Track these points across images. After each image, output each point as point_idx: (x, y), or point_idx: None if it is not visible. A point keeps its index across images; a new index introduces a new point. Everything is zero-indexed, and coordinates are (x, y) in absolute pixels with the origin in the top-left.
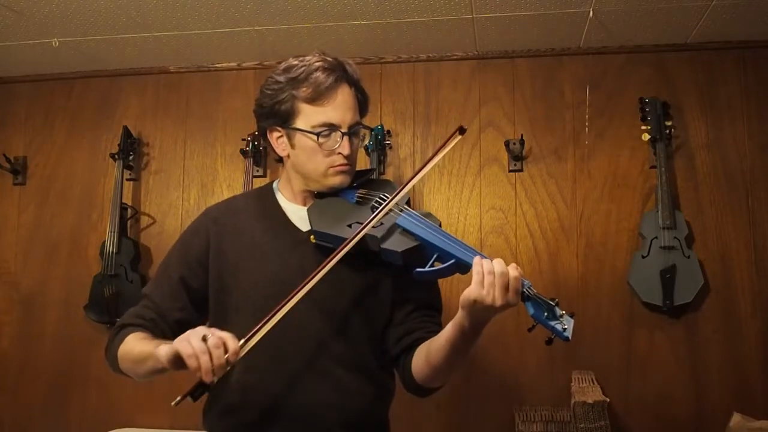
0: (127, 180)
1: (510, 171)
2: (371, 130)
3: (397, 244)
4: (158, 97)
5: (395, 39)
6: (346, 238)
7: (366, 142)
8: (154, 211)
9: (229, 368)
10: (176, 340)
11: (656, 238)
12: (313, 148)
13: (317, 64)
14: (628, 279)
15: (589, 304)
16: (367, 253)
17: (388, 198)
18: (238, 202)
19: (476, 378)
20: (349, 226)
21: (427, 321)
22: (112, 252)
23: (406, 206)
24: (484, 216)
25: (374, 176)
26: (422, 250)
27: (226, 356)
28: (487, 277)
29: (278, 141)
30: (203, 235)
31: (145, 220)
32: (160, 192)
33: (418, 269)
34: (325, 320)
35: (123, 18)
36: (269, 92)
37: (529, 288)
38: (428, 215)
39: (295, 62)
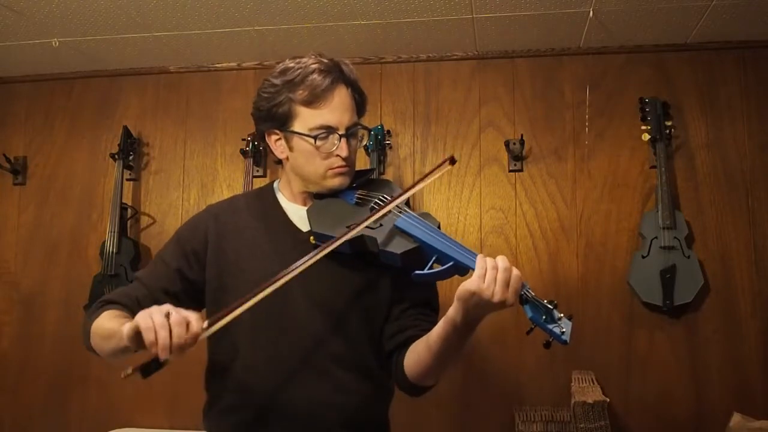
0: (127, 180)
1: (510, 171)
2: (369, 130)
3: (396, 245)
4: (158, 97)
5: (395, 39)
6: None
7: (365, 142)
8: (154, 211)
9: (186, 350)
10: (138, 314)
11: (656, 238)
12: (310, 150)
13: (313, 66)
14: (628, 279)
15: (589, 304)
16: (366, 254)
17: (387, 199)
18: (239, 202)
19: (476, 378)
20: (348, 227)
21: (422, 319)
22: (112, 252)
23: (405, 207)
24: (484, 216)
25: (374, 176)
26: (421, 252)
27: (186, 336)
28: (489, 272)
29: (276, 144)
30: (202, 230)
31: (145, 220)
32: (160, 192)
33: (417, 271)
34: (325, 320)
35: (123, 18)
36: (266, 95)
37: (527, 291)
38: (427, 216)
39: (292, 64)
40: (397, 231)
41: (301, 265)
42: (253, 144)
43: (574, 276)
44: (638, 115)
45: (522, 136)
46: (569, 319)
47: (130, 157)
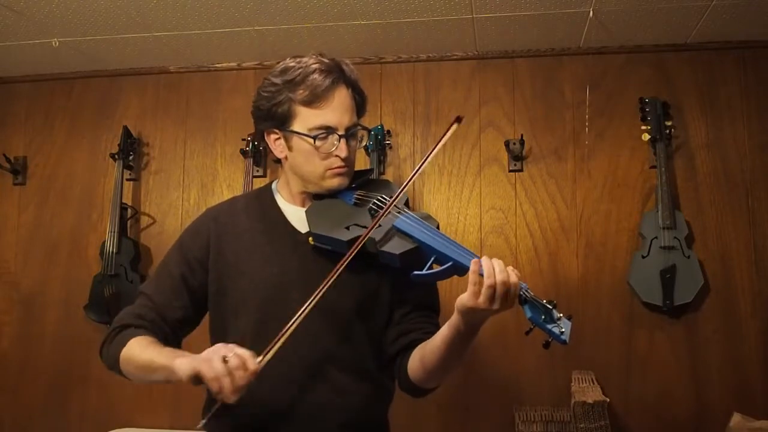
0: (127, 180)
1: (510, 171)
2: (369, 131)
3: (394, 246)
4: (158, 97)
5: (395, 39)
6: (344, 240)
7: (364, 143)
8: (154, 211)
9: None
10: (197, 360)
11: (656, 238)
12: (310, 150)
13: (314, 66)
14: (628, 279)
15: (589, 304)
16: (365, 255)
17: (386, 200)
18: (238, 203)
19: (476, 378)
20: (347, 228)
21: (424, 322)
22: (112, 252)
23: (404, 208)
24: (484, 216)
25: (373, 176)
26: (420, 253)
27: (245, 376)
28: (485, 291)
29: (276, 143)
30: (204, 234)
31: (145, 220)
32: (160, 192)
33: (416, 272)
34: (325, 321)
35: (123, 18)
36: (266, 94)
37: (526, 291)
38: (426, 217)
39: (292, 64)
40: (396, 231)
41: (329, 280)
42: (253, 144)
43: (574, 276)
44: (638, 115)
45: (522, 136)
46: (569, 319)
47: (130, 157)
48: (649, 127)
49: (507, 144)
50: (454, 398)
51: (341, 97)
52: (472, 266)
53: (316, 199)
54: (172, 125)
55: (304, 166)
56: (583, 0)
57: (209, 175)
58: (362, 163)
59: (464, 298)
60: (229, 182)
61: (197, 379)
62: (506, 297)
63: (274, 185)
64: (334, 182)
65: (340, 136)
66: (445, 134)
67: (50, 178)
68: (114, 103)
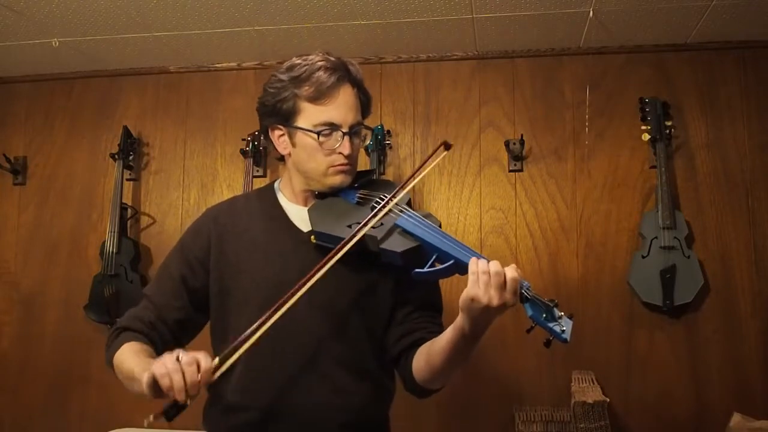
0: (127, 180)
1: (510, 171)
2: (372, 130)
3: (396, 244)
4: (158, 97)
5: (395, 39)
6: (346, 239)
7: (367, 142)
8: (154, 211)
9: (202, 388)
10: (153, 364)
11: (656, 238)
12: (313, 147)
13: (320, 63)
14: (628, 279)
15: (589, 304)
16: (367, 254)
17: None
18: (239, 202)
19: (476, 378)
20: (349, 226)
21: (428, 321)
22: (112, 252)
23: (406, 207)
24: (484, 216)
25: (375, 177)
26: (421, 251)
27: (200, 375)
28: (481, 277)
29: (280, 139)
30: (204, 235)
31: (145, 220)
32: (160, 192)
33: (417, 270)
34: (325, 321)
35: (123, 18)
36: (272, 90)
37: (527, 289)
38: (428, 216)
39: (299, 61)
40: (398, 230)
41: (310, 278)
42: (253, 144)
43: (574, 276)
44: (638, 115)
45: (522, 136)
46: (570, 317)
47: (130, 157)
48: (649, 127)
49: (507, 144)
50: (454, 398)
51: (346, 94)
52: (471, 266)
53: (319, 198)
54: (172, 125)
55: (308, 163)
56: (583, 0)
57: (209, 175)
58: (362, 163)
59: (465, 290)
60: (229, 182)
61: (156, 385)
62: (503, 288)
63: (276, 184)
64: (337, 179)
65: (344, 134)
66: (429, 158)
67: (50, 178)
68: (114, 103)
